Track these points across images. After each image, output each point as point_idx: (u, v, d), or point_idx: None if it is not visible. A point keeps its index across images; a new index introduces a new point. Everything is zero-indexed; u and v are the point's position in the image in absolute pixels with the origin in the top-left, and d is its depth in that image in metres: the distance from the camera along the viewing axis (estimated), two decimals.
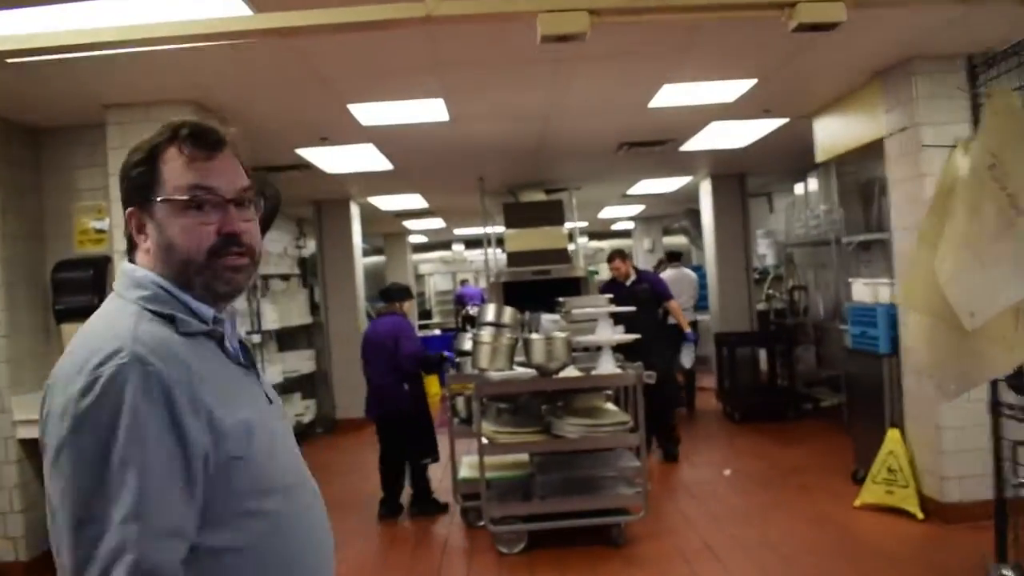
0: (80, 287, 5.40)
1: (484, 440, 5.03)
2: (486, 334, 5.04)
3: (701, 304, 11.13)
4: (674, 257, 10.99)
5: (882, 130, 5.49)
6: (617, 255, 7.75)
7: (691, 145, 7.66)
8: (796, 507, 5.77)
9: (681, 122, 6.67)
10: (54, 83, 4.65)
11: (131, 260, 1.43)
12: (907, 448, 5.39)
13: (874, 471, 5.52)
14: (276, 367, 9.15)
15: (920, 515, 5.21)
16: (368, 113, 5.73)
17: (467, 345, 5.50)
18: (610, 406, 5.64)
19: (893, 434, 5.46)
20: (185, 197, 1.37)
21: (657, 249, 15.92)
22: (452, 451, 5.68)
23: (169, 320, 1.34)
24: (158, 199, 1.37)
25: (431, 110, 5.74)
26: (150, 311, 1.33)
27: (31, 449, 5.30)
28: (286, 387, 9.39)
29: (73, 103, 5.05)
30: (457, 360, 5.83)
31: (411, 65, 4.74)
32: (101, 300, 4.68)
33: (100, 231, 5.54)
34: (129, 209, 1.41)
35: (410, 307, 6.48)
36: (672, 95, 5.67)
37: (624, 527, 5.19)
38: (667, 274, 10.04)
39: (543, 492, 5.17)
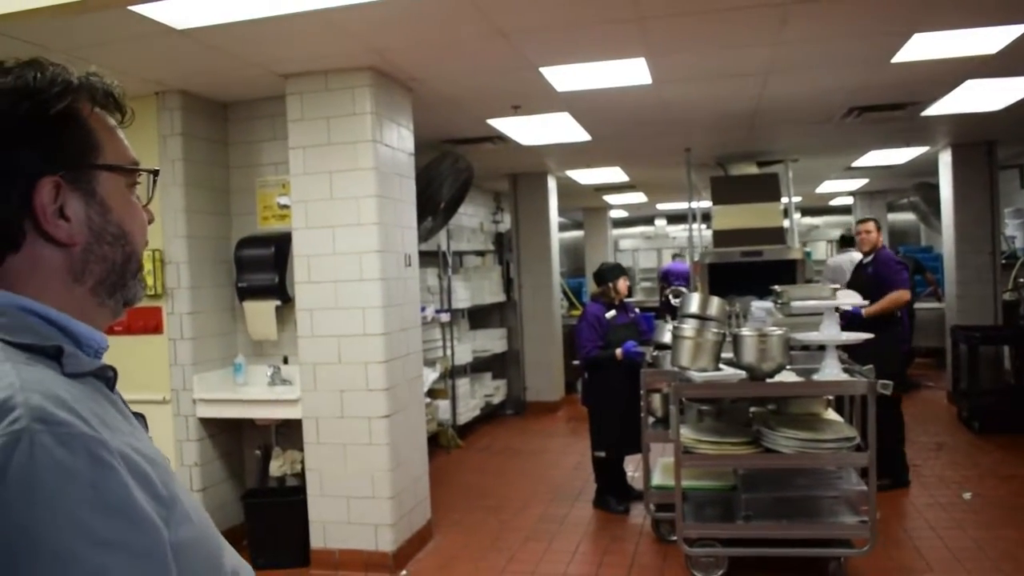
0: (262, 264, 5.23)
1: (681, 448, 4.39)
2: (688, 328, 4.38)
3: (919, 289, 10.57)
4: (847, 242, 9.84)
5: None
6: (870, 220, 6.89)
7: (936, 108, 6.54)
8: None
9: (929, 80, 5.62)
10: (236, 55, 4.46)
11: None
12: None
13: None
14: (466, 346, 8.88)
15: None
16: (562, 77, 5.19)
17: (666, 338, 4.87)
18: (832, 415, 4.83)
19: None
20: (132, 168, 1.03)
21: (881, 228, 14.37)
22: (646, 454, 5.08)
23: (51, 356, 0.89)
24: (100, 163, 0.98)
25: (631, 72, 5.10)
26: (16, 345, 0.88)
27: (212, 428, 5.23)
28: (476, 366, 9.13)
29: (253, 74, 4.85)
30: (656, 354, 5.19)
31: (608, 18, 4.12)
32: (282, 279, 4.45)
33: (284, 207, 5.35)
34: (50, 177, 0.92)
35: (624, 285, 5.96)
36: (923, 46, 4.72)
37: (845, 563, 4.41)
38: (835, 260, 9.51)
39: (748, 512, 4.46)
